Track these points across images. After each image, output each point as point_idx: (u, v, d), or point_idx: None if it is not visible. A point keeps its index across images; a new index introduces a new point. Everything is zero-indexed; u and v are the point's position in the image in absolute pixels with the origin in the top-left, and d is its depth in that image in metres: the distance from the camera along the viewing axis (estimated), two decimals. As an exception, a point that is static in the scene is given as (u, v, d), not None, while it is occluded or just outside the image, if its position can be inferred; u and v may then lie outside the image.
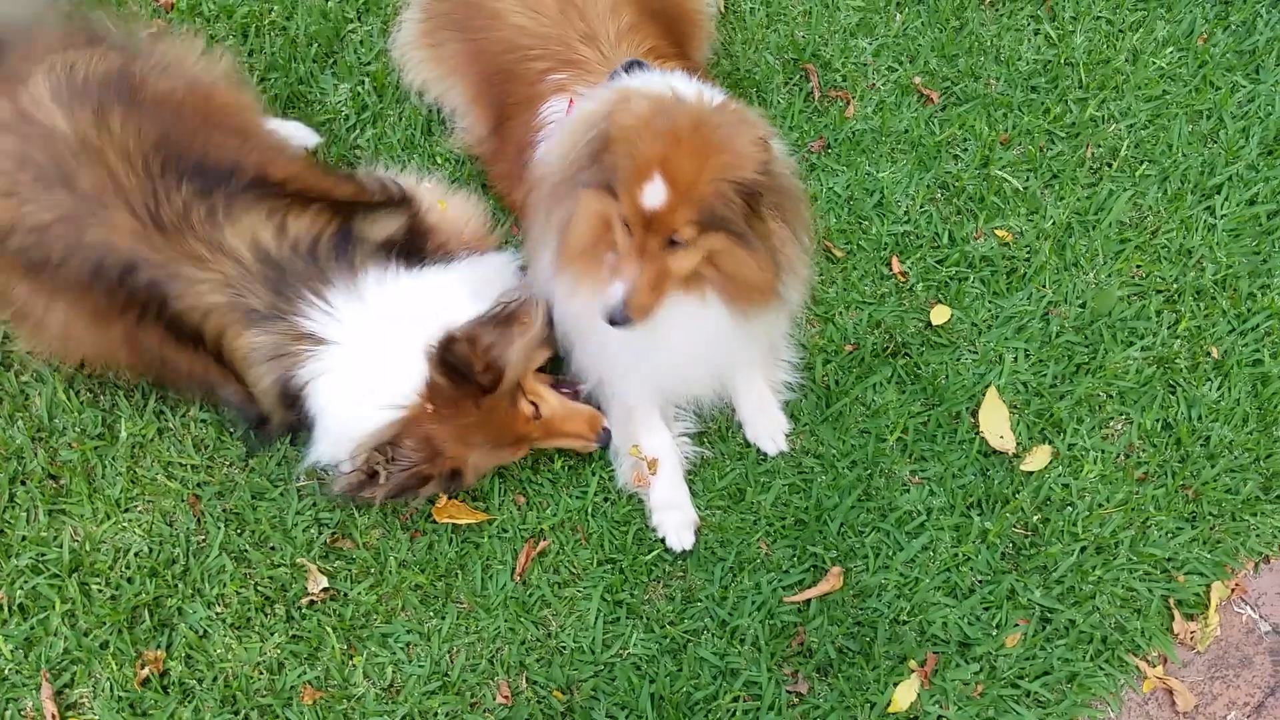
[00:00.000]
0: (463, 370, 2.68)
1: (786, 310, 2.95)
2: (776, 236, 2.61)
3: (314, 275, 2.77)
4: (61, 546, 3.05)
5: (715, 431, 3.28)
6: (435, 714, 2.89)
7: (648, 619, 3.02)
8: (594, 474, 3.19)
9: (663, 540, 3.10)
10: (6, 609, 2.97)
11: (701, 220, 2.48)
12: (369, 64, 3.88)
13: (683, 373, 3.04)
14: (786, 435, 3.24)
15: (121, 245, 2.69)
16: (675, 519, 3.09)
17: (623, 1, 3.15)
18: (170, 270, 2.71)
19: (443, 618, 3.00)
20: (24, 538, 3.06)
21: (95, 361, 3.15)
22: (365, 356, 2.77)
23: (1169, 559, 3.09)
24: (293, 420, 2.90)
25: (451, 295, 2.86)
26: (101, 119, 2.71)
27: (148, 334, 2.83)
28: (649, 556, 3.08)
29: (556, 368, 3.15)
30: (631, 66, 2.83)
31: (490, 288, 2.96)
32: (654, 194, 2.42)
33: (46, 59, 2.79)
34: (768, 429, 3.24)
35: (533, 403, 2.91)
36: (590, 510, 3.15)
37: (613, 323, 2.60)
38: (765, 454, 3.24)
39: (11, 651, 2.91)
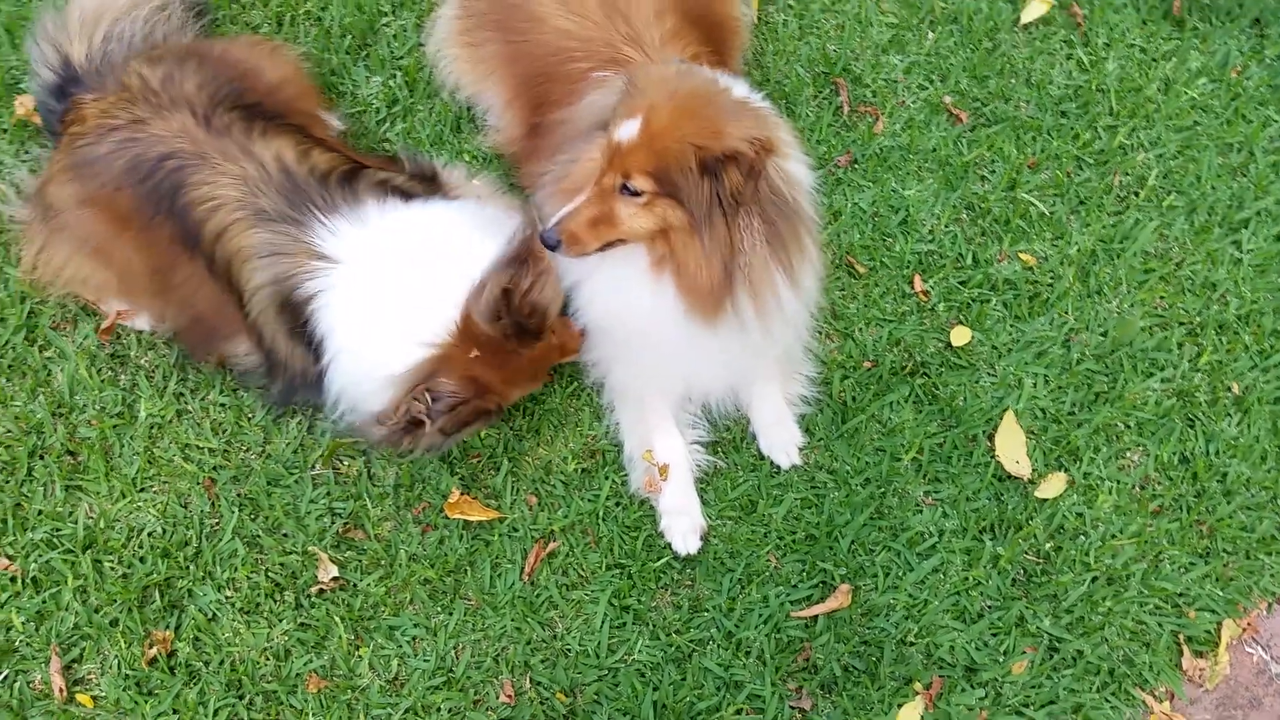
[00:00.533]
0: (517, 323, 2.70)
1: (797, 315, 2.95)
2: (741, 248, 2.61)
3: (323, 197, 2.90)
4: (76, 522, 3.07)
5: (729, 441, 3.29)
6: (438, 709, 2.90)
7: (654, 626, 3.02)
8: (607, 478, 3.20)
9: (670, 545, 3.10)
10: (20, 581, 2.98)
11: (656, 175, 2.51)
12: (401, 58, 3.89)
13: (664, 361, 3.04)
14: (800, 449, 3.24)
15: (167, 137, 2.95)
16: (683, 524, 3.10)
17: (666, 7, 3.16)
18: (199, 158, 2.92)
19: (450, 613, 3.01)
20: (40, 512, 3.08)
21: (103, 281, 3.22)
22: (379, 284, 2.81)
23: (1180, 594, 3.08)
24: (289, 345, 2.96)
25: (459, 226, 2.92)
26: (176, 69, 3.10)
27: (157, 233, 2.98)
28: (658, 563, 3.09)
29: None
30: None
31: (494, 226, 2.95)
32: (627, 130, 2.50)
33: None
34: (781, 441, 3.24)
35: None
36: (601, 514, 3.15)
37: (544, 242, 2.70)
38: (778, 467, 3.23)
39: (23, 624, 2.93)
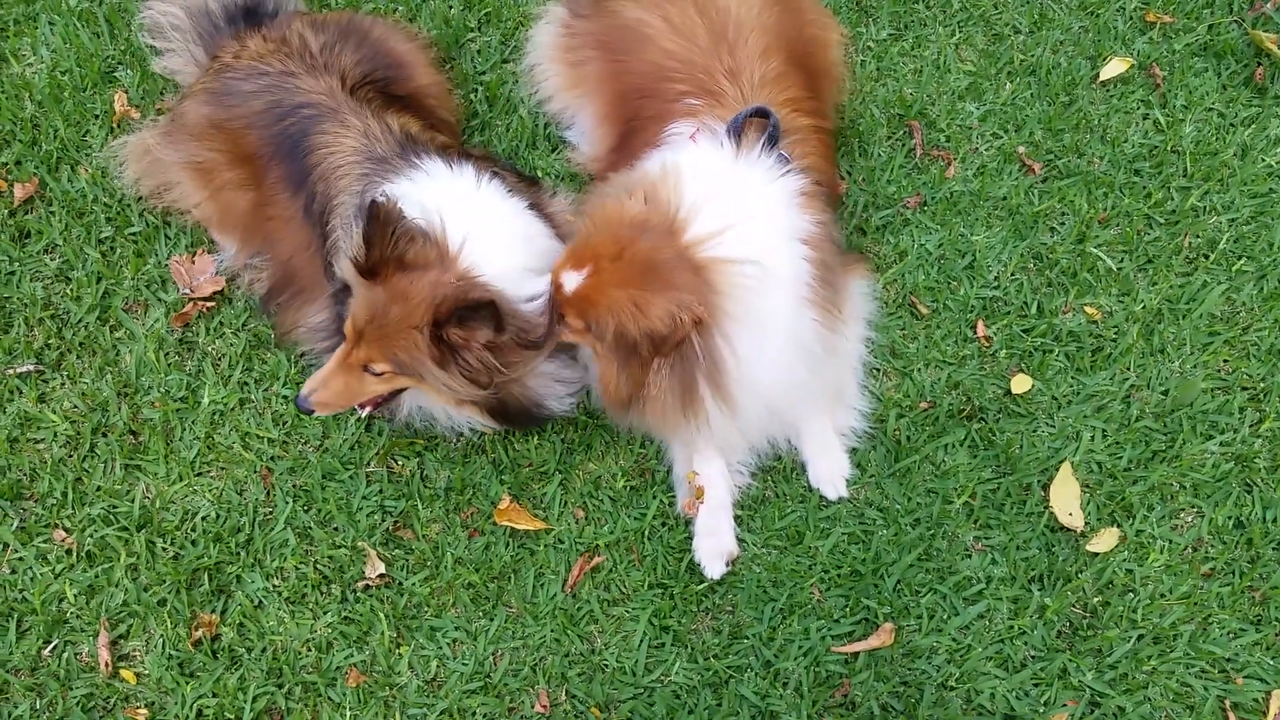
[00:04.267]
0: (456, 330, 2.68)
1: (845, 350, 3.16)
2: (647, 385, 2.81)
3: (434, 154, 3.04)
4: (133, 501, 3.13)
5: (779, 471, 3.29)
6: (474, 714, 2.91)
7: (692, 649, 3.02)
8: (655, 497, 3.21)
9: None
10: (75, 555, 3.05)
11: (586, 322, 2.73)
12: (484, 73, 3.97)
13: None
14: (847, 481, 3.23)
15: (310, 92, 3.18)
16: (708, 546, 3.10)
17: (773, 48, 3.21)
18: (332, 112, 3.13)
19: (491, 619, 3.03)
20: (99, 488, 3.15)
21: (199, 201, 3.43)
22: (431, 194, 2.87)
23: (1229, 659, 3.03)
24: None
25: (511, 224, 2.97)
26: (338, 40, 3.37)
27: (268, 173, 3.21)
28: (700, 586, 3.09)
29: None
30: (756, 114, 2.87)
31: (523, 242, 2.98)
32: (571, 279, 2.69)
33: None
34: (829, 473, 3.24)
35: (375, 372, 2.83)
36: (647, 533, 3.16)
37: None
38: (827, 499, 3.23)
39: (75, 596, 2.99)
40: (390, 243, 2.65)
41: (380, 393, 2.91)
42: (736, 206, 2.70)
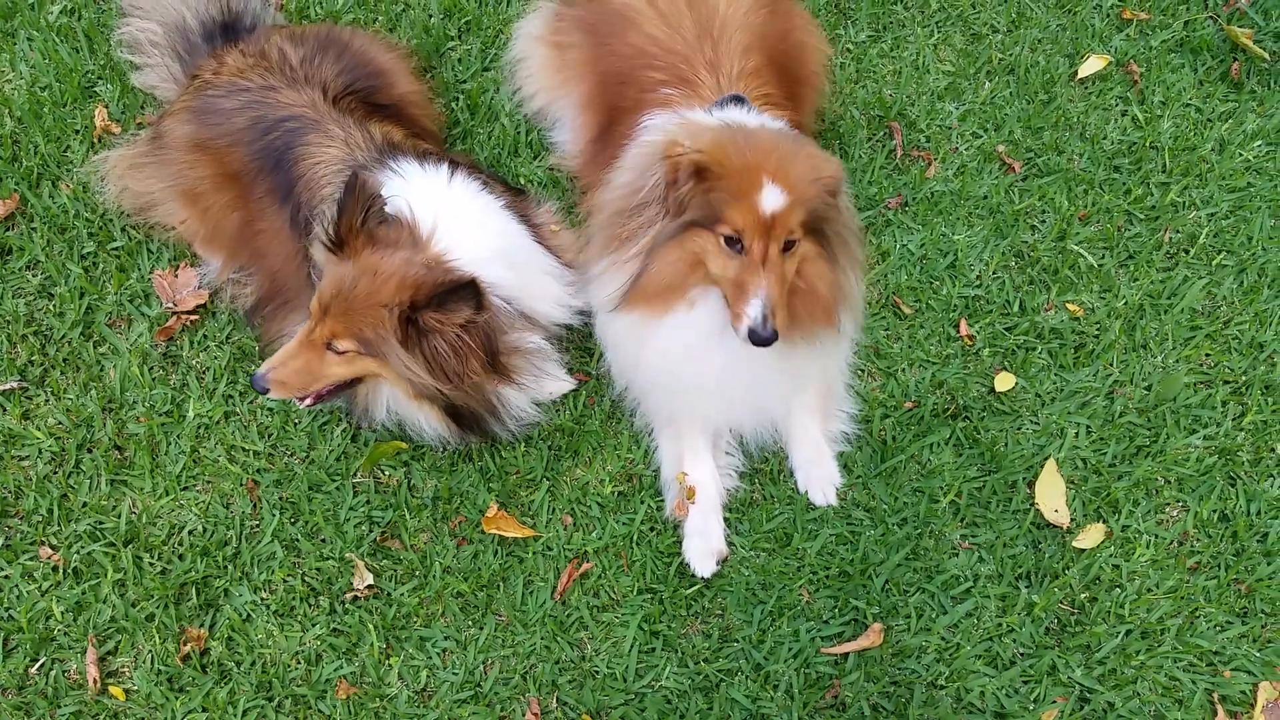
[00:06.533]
0: (434, 314, 2.69)
1: (839, 348, 3.10)
2: (843, 259, 2.77)
3: (416, 158, 3.05)
4: (120, 517, 3.12)
5: (766, 473, 3.29)
6: (464, 723, 2.91)
7: (683, 653, 3.02)
8: (642, 502, 3.21)
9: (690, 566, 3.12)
10: (61, 572, 3.03)
11: (808, 220, 2.62)
12: (465, 82, 3.97)
13: (728, 399, 3.09)
14: (837, 488, 3.24)
15: (292, 105, 3.18)
16: (699, 546, 3.11)
17: (754, 46, 3.25)
18: (315, 124, 3.13)
19: (481, 628, 3.02)
20: (85, 504, 3.13)
21: (184, 220, 3.41)
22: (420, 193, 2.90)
23: (1216, 652, 3.04)
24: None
25: (480, 215, 3.01)
26: (318, 54, 3.37)
27: (255, 188, 3.19)
28: (690, 590, 3.09)
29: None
30: (732, 100, 2.90)
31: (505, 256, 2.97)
32: (771, 198, 2.55)
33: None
34: (819, 480, 3.24)
35: (339, 350, 2.80)
36: (636, 538, 3.16)
37: (759, 341, 2.61)
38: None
39: (62, 613, 2.98)
40: (361, 214, 2.68)
41: (340, 377, 2.84)
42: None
